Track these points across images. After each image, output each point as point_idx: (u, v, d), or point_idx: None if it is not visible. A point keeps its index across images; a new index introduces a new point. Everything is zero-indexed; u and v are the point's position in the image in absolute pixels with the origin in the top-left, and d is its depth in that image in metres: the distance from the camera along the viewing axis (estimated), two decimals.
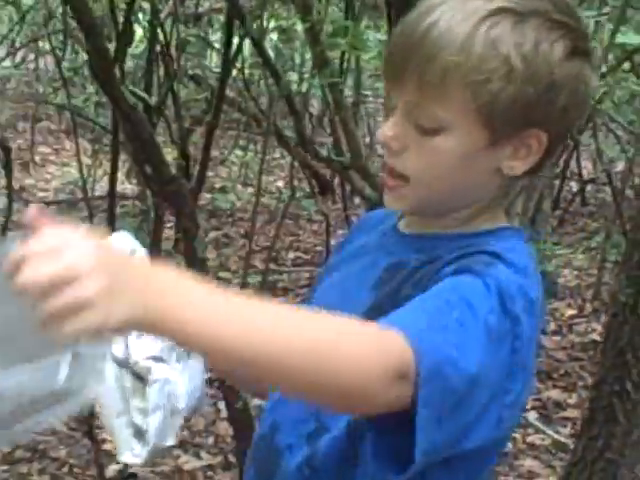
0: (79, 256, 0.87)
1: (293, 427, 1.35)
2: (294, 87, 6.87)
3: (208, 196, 7.85)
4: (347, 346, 1.07)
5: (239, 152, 8.32)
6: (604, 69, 3.13)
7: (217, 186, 8.29)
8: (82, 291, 0.86)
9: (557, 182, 7.52)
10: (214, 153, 9.01)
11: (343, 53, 3.90)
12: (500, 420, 1.22)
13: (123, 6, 4.03)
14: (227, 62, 3.65)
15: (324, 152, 3.96)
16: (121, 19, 3.94)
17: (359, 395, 1.09)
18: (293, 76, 7.62)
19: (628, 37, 3.60)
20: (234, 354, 0.99)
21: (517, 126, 1.21)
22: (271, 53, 8.96)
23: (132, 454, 1.42)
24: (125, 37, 3.82)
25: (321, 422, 1.32)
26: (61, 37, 6.21)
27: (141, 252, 1.39)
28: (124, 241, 1.39)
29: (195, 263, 3.88)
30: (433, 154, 1.24)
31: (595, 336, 5.05)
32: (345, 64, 4.53)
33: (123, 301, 0.89)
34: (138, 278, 0.93)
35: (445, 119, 1.21)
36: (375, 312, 1.23)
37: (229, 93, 6.88)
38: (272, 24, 7.95)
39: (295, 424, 1.35)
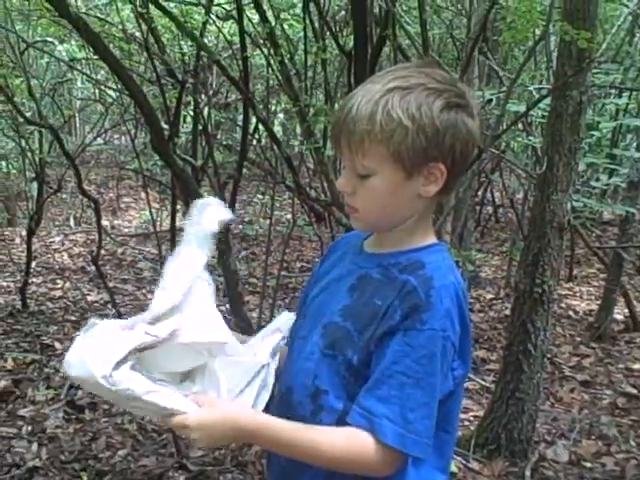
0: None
1: (301, 389, 1.35)
2: (296, 150, 6.93)
3: (240, 227, 7.86)
4: (329, 451, 1.24)
5: (260, 196, 8.32)
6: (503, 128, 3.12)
7: (246, 219, 8.29)
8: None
9: (478, 207, 7.53)
10: (243, 197, 9.05)
11: (325, 127, 3.93)
12: (452, 384, 1.28)
13: (174, 100, 4.02)
14: (245, 136, 3.64)
15: (315, 193, 3.92)
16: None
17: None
18: (295, 142, 7.66)
19: (516, 106, 3.62)
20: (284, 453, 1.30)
21: (421, 163, 1.23)
22: (279, 127, 9.06)
23: None
24: (176, 121, 3.83)
25: (316, 386, 1.32)
26: (133, 122, 6.23)
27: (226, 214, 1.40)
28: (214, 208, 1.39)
29: (229, 273, 3.88)
30: (370, 191, 1.27)
31: (507, 312, 5.01)
32: (326, 133, 4.60)
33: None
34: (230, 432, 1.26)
35: (370, 167, 1.24)
36: (348, 311, 1.32)
37: (253, 156, 6.94)
38: (280, 107, 8.04)
39: (302, 387, 1.34)
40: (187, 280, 1.33)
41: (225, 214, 1.40)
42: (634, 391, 4.19)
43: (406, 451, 1.20)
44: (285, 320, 1.50)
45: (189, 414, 1.21)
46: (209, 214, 1.38)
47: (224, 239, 3.78)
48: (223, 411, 1.26)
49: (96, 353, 1.19)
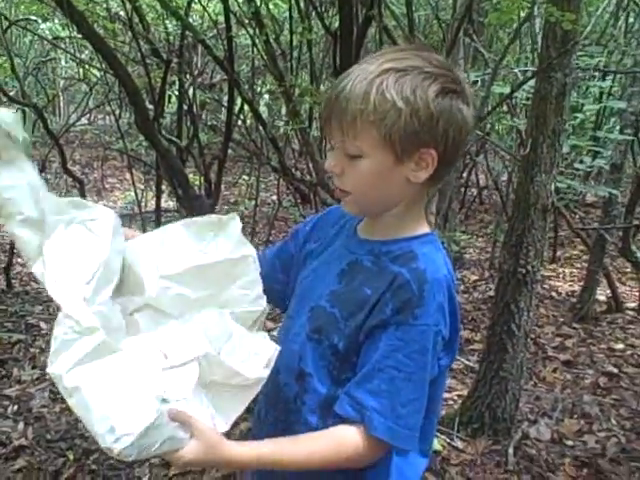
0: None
1: (287, 371, 1.35)
2: (281, 131, 6.91)
3: (225, 207, 7.84)
4: (323, 459, 1.23)
5: (245, 177, 8.30)
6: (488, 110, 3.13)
7: (232, 200, 8.28)
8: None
9: (462, 189, 7.55)
10: (229, 178, 9.02)
11: (310, 108, 3.92)
12: (437, 372, 1.28)
13: (159, 79, 4.00)
14: (230, 117, 3.63)
15: (300, 174, 3.92)
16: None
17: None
18: (281, 123, 7.64)
19: (501, 88, 3.63)
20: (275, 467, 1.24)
21: (413, 147, 1.21)
22: (264, 108, 9.03)
23: None
24: (161, 101, 3.81)
25: (301, 368, 1.33)
26: (118, 102, 6.19)
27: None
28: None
29: None
30: (359, 173, 1.24)
31: (491, 293, 5.05)
32: (311, 114, 4.59)
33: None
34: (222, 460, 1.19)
35: (362, 148, 1.22)
36: (336, 297, 1.32)
37: (238, 137, 6.90)
38: (265, 88, 8.01)
39: (288, 369, 1.35)
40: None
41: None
42: (615, 370, 4.24)
43: (396, 444, 1.22)
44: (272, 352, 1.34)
45: (185, 454, 1.15)
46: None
47: None
48: (215, 453, 1.18)
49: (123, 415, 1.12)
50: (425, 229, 1.34)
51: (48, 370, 1.13)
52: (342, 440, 1.22)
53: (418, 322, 1.20)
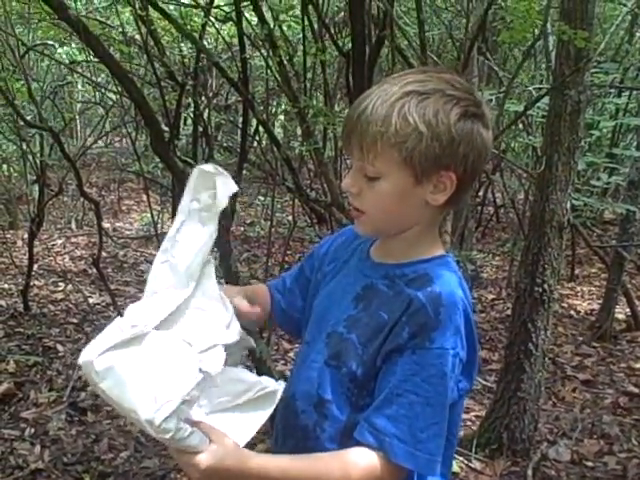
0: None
1: (305, 398, 1.34)
2: (297, 151, 6.94)
3: (242, 229, 7.87)
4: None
5: (261, 197, 8.33)
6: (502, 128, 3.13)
7: (248, 221, 8.29)
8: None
9: (479, 208, 7.53)
10: (244, 199, 9.05)
11: (324, 128, 3.92)
12: (457, 396, 1.27)
13: (174, 102, 4.03)
14: (244, 138, 3.65)
15: (315, 194, 3.93)
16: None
17: None
18: (296, 144, 7.66)
19: (515, 106, 3.63)
20: None
21: (432, 170, 1.20)
22: (280, 129, 9.07)
23: None
24: (176, 123, 3.83)
25: (320, 395, 1.32)
26: (134, 125, 6.24)
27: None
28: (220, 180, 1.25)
29: (230, 274, 3.88)
30: (377, 194, 1.24)
31: (509, 312, 5.01)
32: (325, 134, 4.60)
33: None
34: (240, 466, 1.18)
35: (381, 169, 1.21)
36: (353, 322, 1.31)
37: (254, 158, 6.94)
38: (280, 109, 8.06)
39: (306, 396, 1.34)
40: (197, 265, 1.25)
41: (232, 186, 1.27)
42: (636, 390, 4.19)
43: (417, 469, 1.20)
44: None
45: (204, 459, 1.15)
46: (215, 186, 1.25)
47: (224, 241, 3.78)
48: (234, 458, 1.19)
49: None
50: (440, 251, 1.33)
51: (79, 361, 1.12)
52: (361, 458, 1.20)
53: (435, 345, 1.18)
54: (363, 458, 1.20)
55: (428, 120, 1.17)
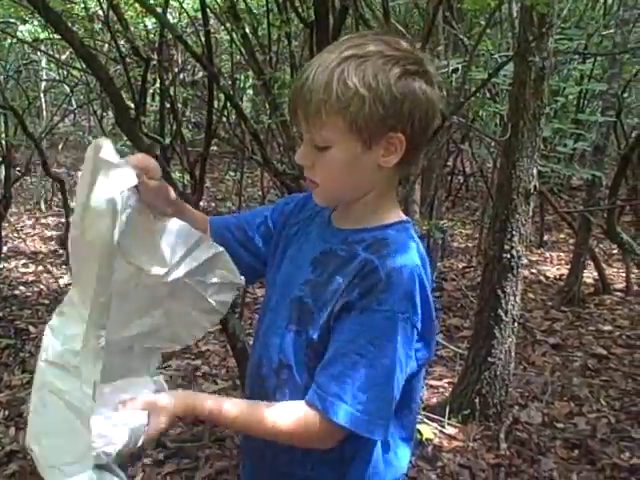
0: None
1: (268, 364, 1.34)
2: (266, 125, 6.88)
3: (213, 204, 7.83)
4: (283, 434, 1.23)
5: (232, 173, 8.28)
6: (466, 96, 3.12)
7: (219, 197, 8.26)
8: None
9: (448, 177, 7.56)
10: (215, 175, 9.00)
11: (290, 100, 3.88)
12: (416, 365, 1.27)
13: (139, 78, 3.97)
14: (210, 113, 3.60)
15: (284, 167, 3.89)
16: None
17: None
18: (265, 117, 7.59)
19: (482, 74, 3.63)
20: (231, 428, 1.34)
21: (379, 133, 1.19)
22: (248, 103, 8.99)
23: None
24: (142, 100, 3.78)
25: (281, 360, 1.31)
26: (100, 103, 6.16)
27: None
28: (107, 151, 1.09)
29: None
30: (329, 164, 1.23)
31: (479, 280, 5.06)
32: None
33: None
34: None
35: (329, 138, 1.20)
36: (310, 287, 1.30)
37: (223, 133, 6.87)
38: (248, 83, 7.98)
39: (269, 362, 1.34)
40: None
41: (131, 177, 1.12)
42: (604, 352, 4.26)
43: (357, 431, 1.18)
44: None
45: (159, 422, 1.18)
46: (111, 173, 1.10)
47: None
48: (183, 401, 1.23)
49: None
50: (399, 216, 1.32)
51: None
52: (304, 415, 1.21)
53: (382, 307, 1.17)
54: (310, 418, 1.20)
55: (368, 82, 1.15)
